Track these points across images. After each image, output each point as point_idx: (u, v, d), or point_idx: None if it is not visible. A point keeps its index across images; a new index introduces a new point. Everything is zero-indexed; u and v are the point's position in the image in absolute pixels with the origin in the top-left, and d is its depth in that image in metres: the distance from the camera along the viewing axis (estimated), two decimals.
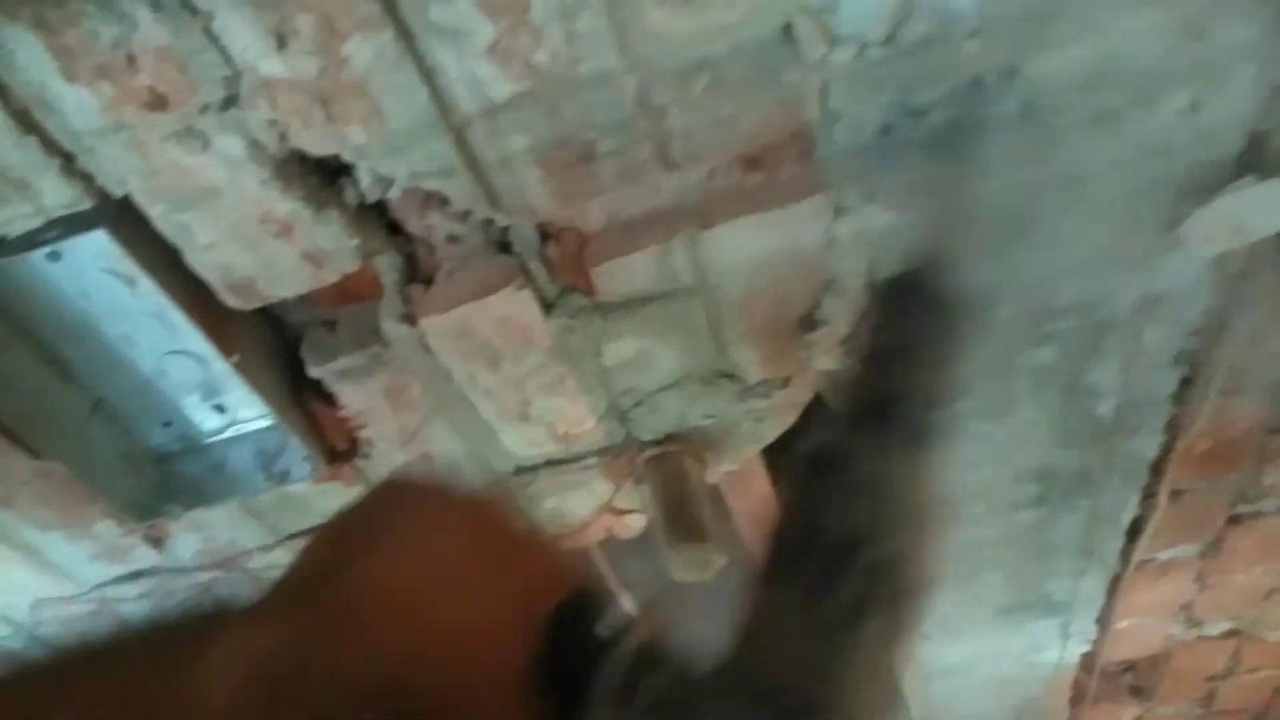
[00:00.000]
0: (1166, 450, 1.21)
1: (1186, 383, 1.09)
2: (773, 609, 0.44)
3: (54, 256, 0.76)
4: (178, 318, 0.80)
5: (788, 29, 0.66)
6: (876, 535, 0.44)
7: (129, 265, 0.75)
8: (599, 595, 0.45)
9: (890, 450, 0.48)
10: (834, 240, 0.82)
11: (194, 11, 0.57)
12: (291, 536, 1.05)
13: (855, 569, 0.43)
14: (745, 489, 1.24)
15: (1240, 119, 0.78)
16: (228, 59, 0.60)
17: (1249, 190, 0.78)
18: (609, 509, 1.11)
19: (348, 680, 0.37)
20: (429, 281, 0.83)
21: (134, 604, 1.14)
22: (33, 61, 0.59)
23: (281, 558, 1.08)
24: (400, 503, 0.43)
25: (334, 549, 0.41)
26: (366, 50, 0.61)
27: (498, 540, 0.43)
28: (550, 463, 1.03)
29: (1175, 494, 1.31)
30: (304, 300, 0.84)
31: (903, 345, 0.54)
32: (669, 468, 1.04)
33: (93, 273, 0.80)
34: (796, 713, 0.40)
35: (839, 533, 0.44)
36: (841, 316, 0.89)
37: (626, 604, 0.45)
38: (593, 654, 0.42)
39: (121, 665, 0.37)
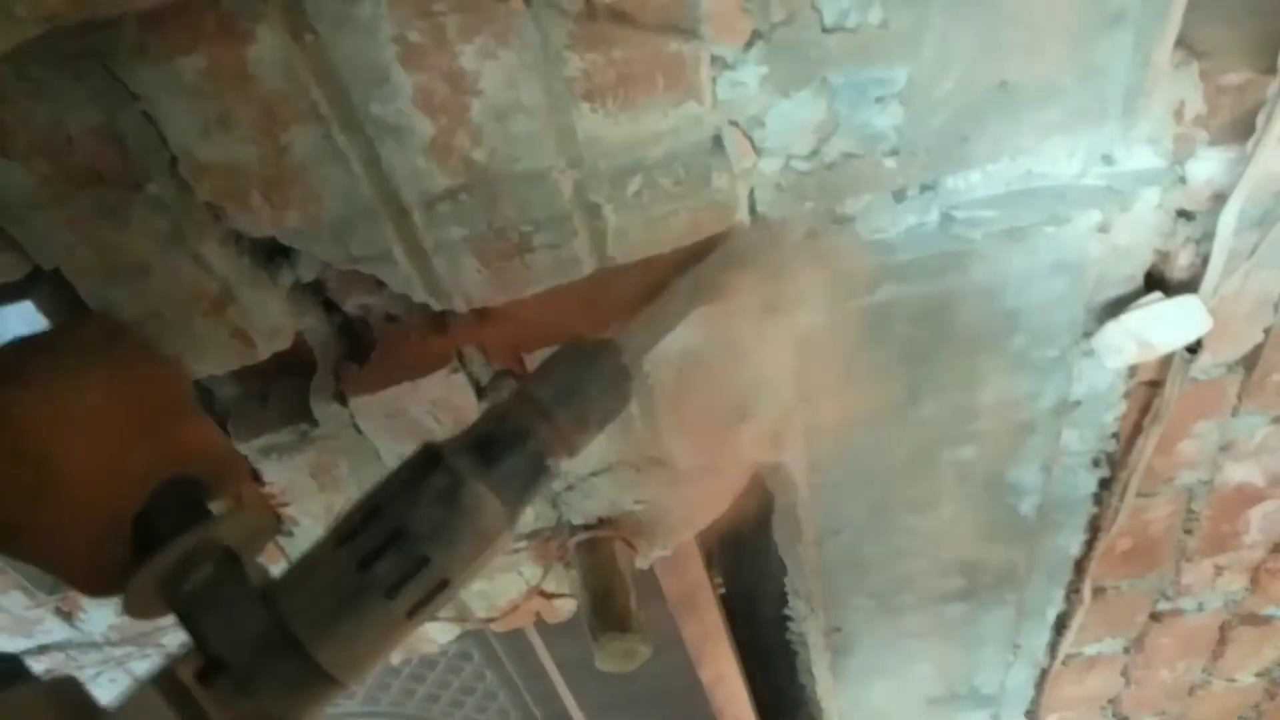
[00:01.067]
0: (1089, 548, 1.23)
1: (1105, 483, 1.12)
2: (323, 561, 0.50)
3: None
4: None
5: (717, 139, 0.68)
6: (429, 540, 0.49)
7: None
8: (225, 481, 0.52)
9: (486, 480, 0.53)
10: (763, 336, 0.84)
11: (134, 96, 0.58)
12: None
13: (398, 558, 0.48)
14: (678, 573, 1.24)
15: (1147, 239, 0.82)
16: (165, 142, 0.61)
17: (1155, 307, 0.82)
18: (538, 592, 1.10)
19: None
20: (363, 360, 0.84)
21: None
22: None
23: None
24: (76, 345, 0.49)
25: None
26: (306, 140, 0.63)
27: (149, 402, 0.48)
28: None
29: (1099, 590, 1.33)
30: (235, 373, 0.84)
31: (552, 398, 0.58)
32: (600, 553, 1.03)
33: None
34: (285, 651, 0.46)
35: (401, 523, 0.49)
36: (770, 409, 0.90)
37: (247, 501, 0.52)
38: (184, 528, 0.48)
39: None
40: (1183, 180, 0.78)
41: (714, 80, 0.65)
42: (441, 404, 0.83)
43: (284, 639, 0.46)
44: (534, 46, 0.61)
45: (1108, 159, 0.77)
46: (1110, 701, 1.72)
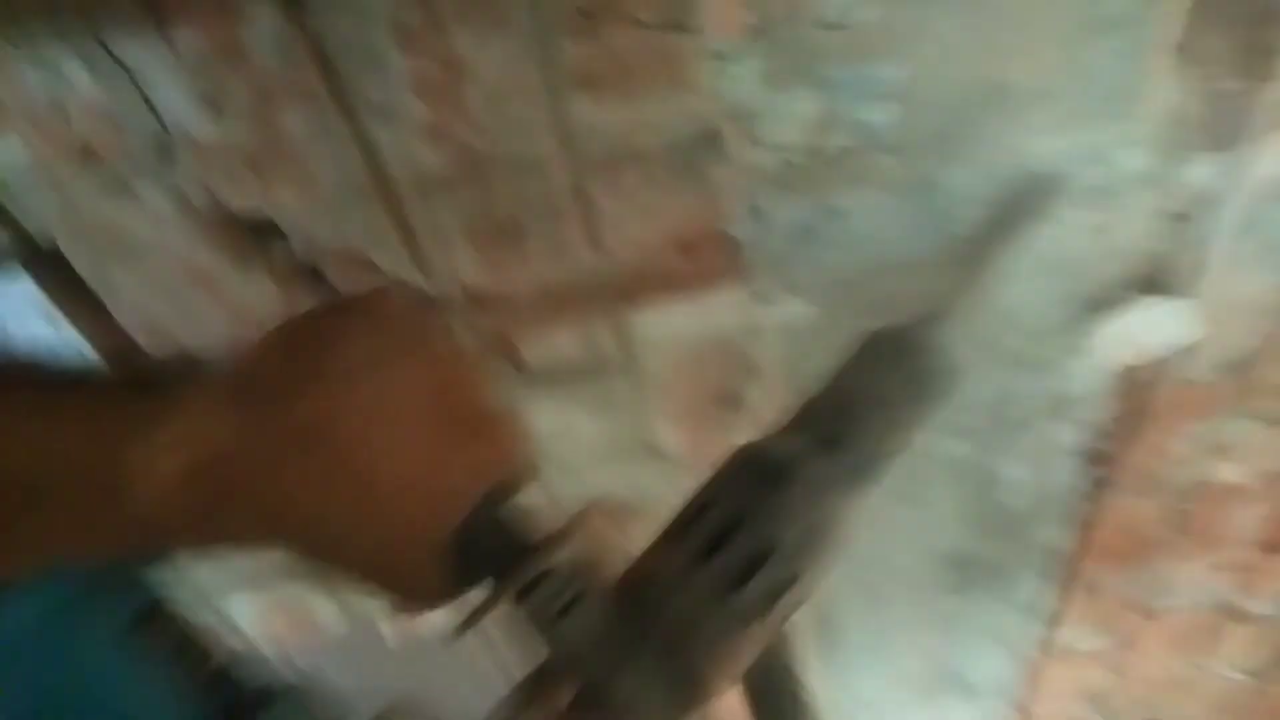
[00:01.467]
0: (1078, 544, 1.24)
1: (1097, 481, 1.13)
2: (682, 579, 0.45)
3: None
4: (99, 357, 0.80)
5: (713, 130, 0.68)
6: (796, 557, 0.46)
7: (52, 308, 0.75)
8: (527, 478, 0.46)
9: (835, 479, 0.49)
10: (755, 327, 0.84)
11: (130, 74, 0.59)
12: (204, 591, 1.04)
13: (767, 578, 0.45)
14: None
15: (1142, 241, 0.82)
16: (161, 121, 0.61)
17: (1149, 309, 0.83)
18: None
19: (281, 503, 0.37)
20: None
21: None
22: None
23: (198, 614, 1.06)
24: (382, 325, 0.41)
25: (303, 353, 0.39)
26: (301, 121, 0.63)
27: (462, 403, 0.42)
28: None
29: (1088, 586, 1.34)
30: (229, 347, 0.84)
31: (878, 393, 0.54)
32: (590, 535, 1.04)
33: (16, 308, 0.80)
34: (665, 676, 0.43)
35: (768, 543, 0.45)
36: (762, 400, 0.91)
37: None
38: (509, 544, 0.43)
39: (67, 418, 0.36)
40: (1177, 183, 0.78)
41: (711, 73, 0.65)
42: None
43: (662, 665, 0.43)
44: (531, 35, 0.61)
45: (1104, 160, 0.77)
46: (1098, 695, 1.73)
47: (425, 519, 0.40)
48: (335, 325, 0.40)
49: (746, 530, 0.46)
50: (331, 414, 0.37)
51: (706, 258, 0.81)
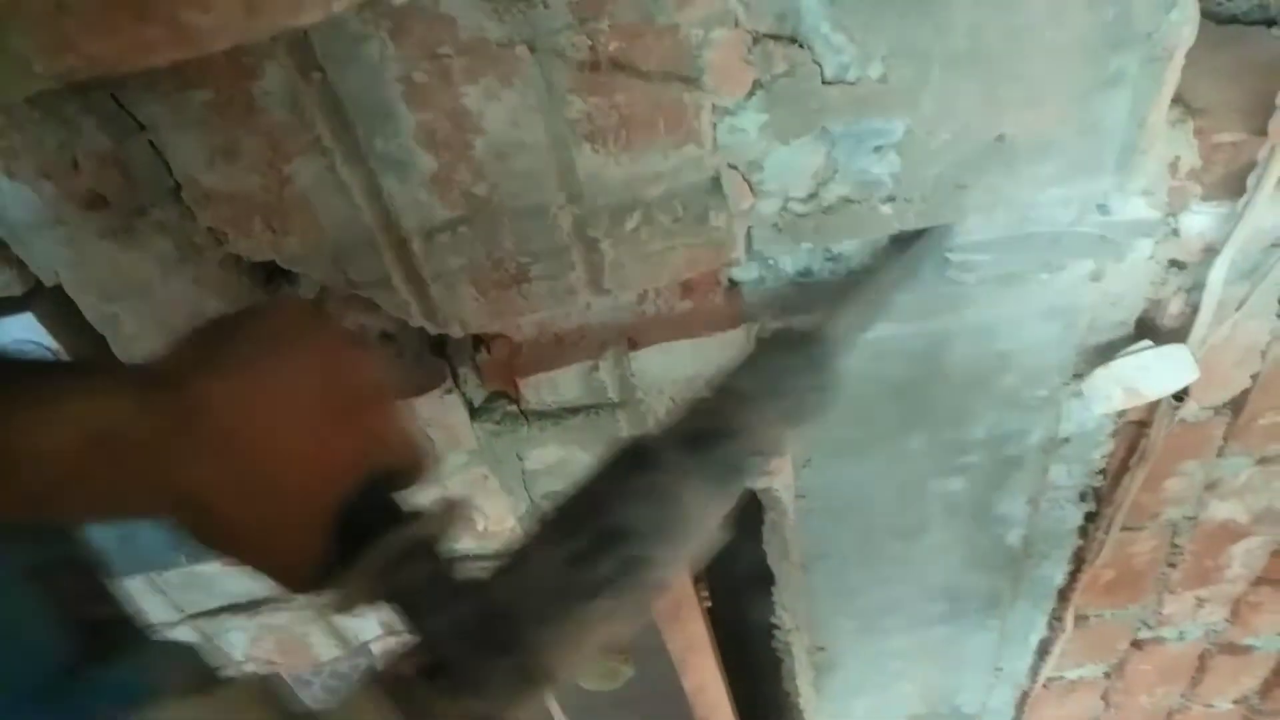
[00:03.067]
0: (1072, 578, 1.25)
1: (1091, 517, 1.13)
2: (536, 558, 0.48)
3: None
4: None
5: (716, 180, 0.69)
6: (646, 538, 0.48)
7: (54, 344, 0.75)
8: (416, 471, 0.49)
9: (699, 476, 0.52)
10: None
11: (140, 126, 0.59)
12: (194, 616, 1.03)
13: (615, 556, 0.47)
14: None
15: (1139, 287, 0.83)
16: (170, 169, 0.62)
17: (1144, 355, 0.83)
18: None
19: (172, 478, 0.40)
20: None
21: None
22: None
23: (184, 634, 1.06)
24: (276, 322, 0.46)
25: (204, 347, 0.43)
26: (309, 171, 0.63)
27: (351, 390, 0.46)
28: (467, 558, 1.03)
29: (1081, 618, 1.35)
30: None
31: (757, 392, 0.57)
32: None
33: (20, 343, 0.80)
34: (508, 648, 0.45)
35: (617, 522, 0.48)
36: None
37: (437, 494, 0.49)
38: (387, 522, 0.46)
39: None
40: (1175, 232, 0.79)
41: (714, 125, 0.66)
42: (434, 422, 0.84)
43: (510, 640, 0.45)
44: (538, 90, 0.61)
45: (1103, 209, 0.78)
46: None
47: (307, 497, 0.43)
48: (235, 323, 0.45)
49: (602, 512, 0.49)
50: (223, 396, 0.41)
51: (708, 300, 0.82)
